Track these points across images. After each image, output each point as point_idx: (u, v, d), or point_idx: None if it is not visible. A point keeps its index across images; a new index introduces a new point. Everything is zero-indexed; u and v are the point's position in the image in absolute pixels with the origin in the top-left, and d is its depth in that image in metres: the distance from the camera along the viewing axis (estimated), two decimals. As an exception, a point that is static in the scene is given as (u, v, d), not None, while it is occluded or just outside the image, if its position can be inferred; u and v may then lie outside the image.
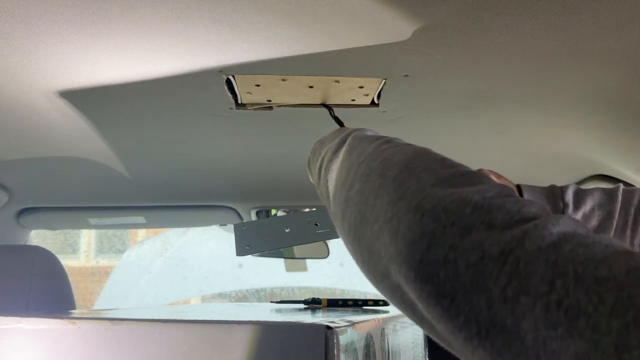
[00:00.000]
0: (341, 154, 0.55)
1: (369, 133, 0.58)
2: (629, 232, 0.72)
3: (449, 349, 0.39)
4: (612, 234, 0.72)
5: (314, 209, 1.56)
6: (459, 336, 0.35)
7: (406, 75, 0.79)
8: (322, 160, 0.59)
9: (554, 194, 0.75)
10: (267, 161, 1.23)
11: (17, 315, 0.66)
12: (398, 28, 0.65)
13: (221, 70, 0.76)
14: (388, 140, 0.52)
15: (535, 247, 0.33)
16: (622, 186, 0.75)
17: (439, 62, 0.76)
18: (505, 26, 0.65)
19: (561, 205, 0.74)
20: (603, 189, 0.75)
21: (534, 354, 0.31)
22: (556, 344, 0.30)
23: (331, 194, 0.54)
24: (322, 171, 0.58)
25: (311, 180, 0.72)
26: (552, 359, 0.31)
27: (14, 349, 0.65)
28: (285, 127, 1.02)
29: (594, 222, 0.73)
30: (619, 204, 0.73)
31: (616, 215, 0.72)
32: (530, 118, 0.99)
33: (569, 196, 0.74)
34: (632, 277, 0.30)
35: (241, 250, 0.89)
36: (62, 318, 0.65)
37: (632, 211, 0.72)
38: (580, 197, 0.75)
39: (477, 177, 0.42)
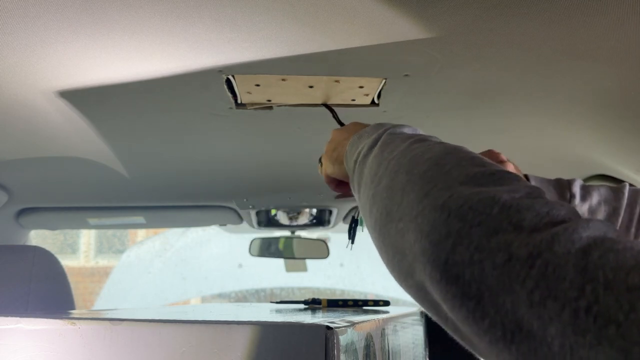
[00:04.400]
0: (375, 149, 0.55)
1: (406, 130, 0.58)
2: (633, 230, 0.72)
3: (472, 351, 0.39)
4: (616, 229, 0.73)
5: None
6: (484, 339, 0.35)
7: (406, 75, 0.79)
8: (359, 155, 0.58)
9: (561, 185, 0.75)
10: (267, 161, 1.23)
11: (16, 316, 0.66)
12: (398, 28, 0.65)
13: (221, 70, 0.76)
14: (422, 139, 0.52)
15: (564, 251, 0.33)
16: (628, 184, 0.75)
17: (439, 62, 0.76)
18: (505, 26, 0.65)
19: (568, 195, 0.74)
20: (609, 186, 0.76)
21: None
22: (584, 352, 0.29)
23: (362, 189, 0.53)
24: (357, 166, 0.57)
25: (319, 171, 0.75)
26: None
27: (14, 349, 0.65)
28: (285, 127, 1.02)
29: (599, 216, 0.73)
30: (625, 201, 0.73)
31: (622, 212, 0.73)
32: (530, 118, 0.99)
33: (576, 188, 0.75)
34: None
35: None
36: (61, 318, 0.65)
37: (638, 209, 0.72)
38: (586, 190, 0.75)
39: (507, 177, 0.41)
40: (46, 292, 1.13)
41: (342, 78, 0.80)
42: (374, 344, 0.70)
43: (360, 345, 0.65)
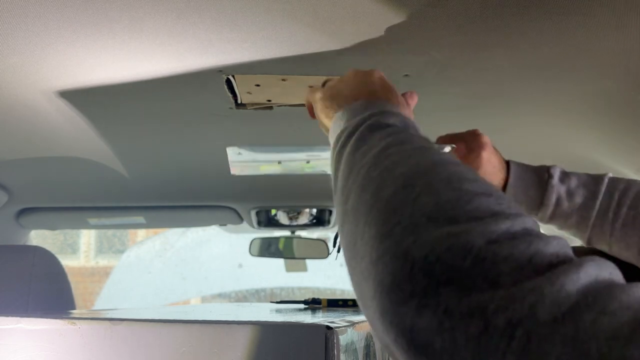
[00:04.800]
0: (351, 143, 0.48)
1: (390, 120, 0.50)
2: (611, 214, 0.74)
3: None
4: (594, 213, 0.74)
5: None
6: None
7: (406, 75, 0.79)
8: (338, 141, 0.51)
9: (542, 169, 0.77)
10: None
11: (16, 316, 0.66)
12: (398, 28, 0.65)
13: (221, 70, 0.76)
14: (400, 141, 0.45)
15: (549, 319, 0.27)
16: (610, 174, 0.77)
17: (439, 62, 0.76)
18: (505, 27, 0.65)
19: (546, 176, 0.76)
20: (590, 174, 0.78)
21: None
22: None
23: (337, 193, 0.47)
24: (336, 154, 0.50)
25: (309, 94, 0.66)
26: None
27: (14, 349, 0.65)
28: (285, 127, 1.02)
29: (578, 199, 0.75)
30: (604, 187, 0.75)
31: (600, 197, 0.74)
32: (530, 118, 0.99)
33: (556, 170, 0.77)
34: None
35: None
36: (61, 318, 0.65)
37: (617, 195, 0.74)
38: (566, 174, 0.77)
39: (489, 201, 0.35)
40: (46, 292, 1.13)
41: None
42: (374, 344, 0.70)
43: (360, 345, 0.65)
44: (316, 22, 0.64)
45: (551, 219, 0.78)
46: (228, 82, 0.80)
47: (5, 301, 1.08)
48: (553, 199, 0.77)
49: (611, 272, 0.31)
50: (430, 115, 0.96)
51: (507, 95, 0.88)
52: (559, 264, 0.30)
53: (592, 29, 0.66)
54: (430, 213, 0.34)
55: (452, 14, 0.62)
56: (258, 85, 0.81)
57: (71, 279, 1.23)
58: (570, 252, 0.32)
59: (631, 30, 0.66)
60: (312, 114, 0.68)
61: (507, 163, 0.78)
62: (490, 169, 0.77)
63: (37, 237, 1.89)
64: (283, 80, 0.80)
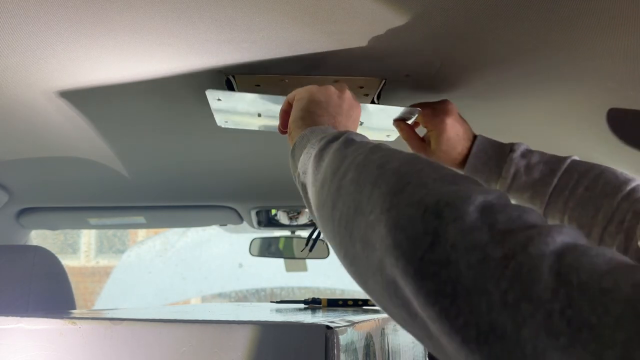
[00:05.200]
0: (335, 144, 0.53)
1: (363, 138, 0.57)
2: (567, 193, 0.75)
3: (436, 354, 0.38)
4: (550, 190, 0.77)
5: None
6: (456, 338, 0.34)
7: (406, 75, 0.79)
8: (312, 148, 0.57)
9: (507, 145, 0.81)
10: (267, 161, 1.23)
11: (17, 315, 0.66)
12: (398, 28, 0.65)
13: (221, 70, 0.76)
14: (386, 146, 0.51)
15: (538, 253, 0.33)
16: (575, 156, 0.79)
17: (439, 62, 0.76)
18: (505, 27, 0.65)
19: (508, 150, 0.80)
20: (555, 155, 0.80)
21: None
22: (557, 355, 0.30)
23: (319, 183, 0.52)
24: (311, 159, 0.56)
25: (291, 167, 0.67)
26: None
27: (14, 349, 0.65)
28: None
29: (536, 174, 0.78)
30: (565, 166, 0.77)
31: (558, 174, 0.77)
32: (530, 117, 0.99)
33: (520, 146, 0.80)
34: (638, 291, 0.29)
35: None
36: (62, 318, 0.65)
37: (576, 175, 0.76)
38: (531, 151, 0.80)
39: (474, 180, 0.42)
40: (47, 292, 1.13)
41: (341, 78, 0.80)
42: (373, 344, 0.70)
43: (360, 345, 0.65)
44: (316, 22, 0.64)
45: (508, 192, 0.80)
46: (228, 82, 0.80)
47: (5, 301, 1.08)
48: (511, 172, 0.79)
49: (583, 237, 0.36)
50: (430, 115, 0.96)
51: (507, 95, 0.88)
52: (544, 224, 0.36)
53: (593, 29, 0.66)
54: (435, 177, 0.41)
55: (452, 14, 0.62)
56: (258, 86, 0.81)
57: (71, 278, 1.23)
58: (543, 218, 0.38)
59: (631, 29, 0.66)
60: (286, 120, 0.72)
61: (475, 136, 0.82)
62: (454, 136, 0.82)
63: (38, 237, 1.89)
64: (283, 80, 0.80)
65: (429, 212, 0.38)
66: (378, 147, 0.49)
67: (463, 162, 0.84)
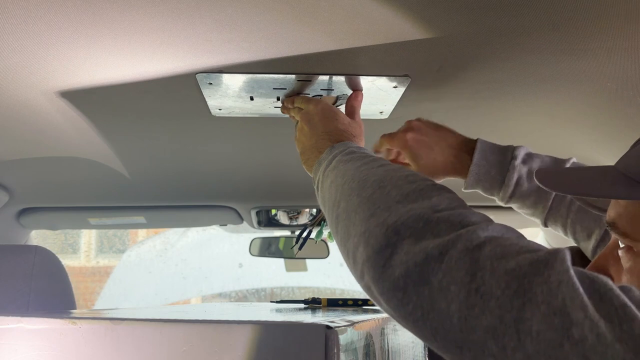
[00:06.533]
0: (331, 176, 0.65)
1: (351, 154, 0.66)
2: (568, 197, 0.76)
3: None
4: (552, 195, 0.78)
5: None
6: (409, 319, 0.46)
7: (406, 75, 0.79)
8: (318, 180, 0.69)
9: (507, 149, 0.80)
10: (266, 161, 1.23)
11: (17, 315, 0.66)
12: (398, 28, 0.65)
13: (221, 70, 0.76)
14: (365, 163, 0.62)
15: (464, 248, 0.44)
16: (574, 158, 0.79)
17: (439, 62, 0.76)
18: (505, 27, 0.66)
19: (509, 157, 0.79)
20: (556, 157, 0.80)
21: (459, 329, 0.42)
22: (473, 321, 0.41)
23: (327, 208, 0.63)
24: (320, 186, 0.68)
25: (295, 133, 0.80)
26: (471, 332, 0.41)
27: (14, 349, 0.65)
28: (285, 127, 1.02)
29: None
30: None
31: None
32: (530, 118, 0.99)
33: (521, 151, 0.79)
34: (534, 268, 0.41)
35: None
36: (62, 318, 0.65)
37: None
38: (531, 155, 0.80)
39: (435, 190, 0.53)
40: (47, 291, 1.13)
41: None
42: (373, 343, 0.70)
43: (360, 345, 0.65)
44: (316, 22, 0.64)
45: (511, 199, 0.80)
46: (228, 82, 0.80)
47: (5, 301, 1.08)
48: (514, 179, 0.79)
49: (512, 231, 0.48)
50: (430, 115, 0.96)
51: (507, 95, 0.88)
52: (479, 222, 0.48)
53: (593, 29, 0.66)
54: (398, 199, 0.53)
55: (452, 14, 0.62)
56: (257, 85, 0.81)
57: (72, 278, 1.23)
58: (487, 218, 0.50)
59: (631, 29, 0.66)
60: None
61: (476, 141, 0.81)
62: (424, 148, 0.81)
63: (38, 237, 1.89)
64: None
65: (390, 230, 0.49)
66: (358, 172, 0.60)
67: (461, 170, 0.81)
